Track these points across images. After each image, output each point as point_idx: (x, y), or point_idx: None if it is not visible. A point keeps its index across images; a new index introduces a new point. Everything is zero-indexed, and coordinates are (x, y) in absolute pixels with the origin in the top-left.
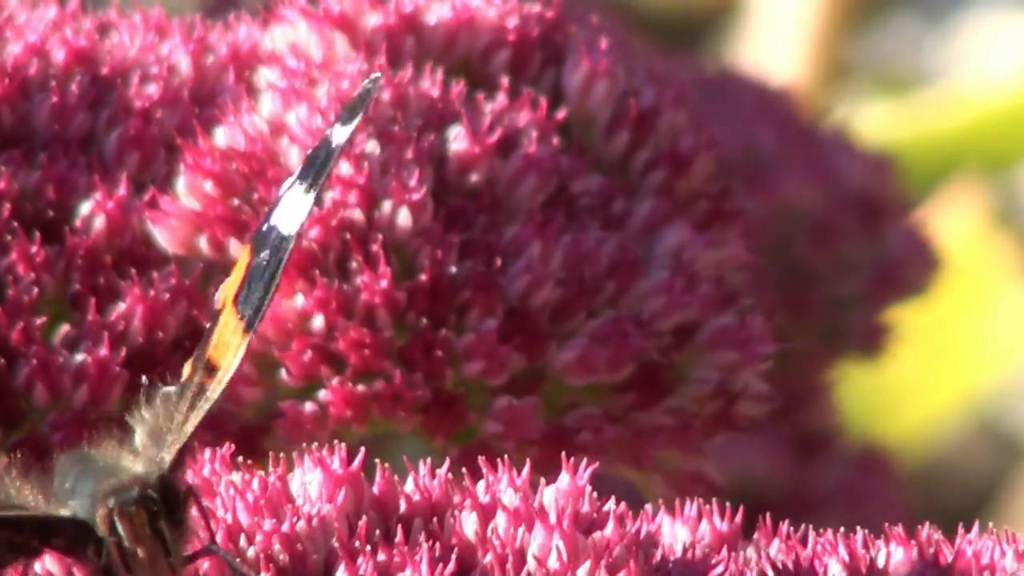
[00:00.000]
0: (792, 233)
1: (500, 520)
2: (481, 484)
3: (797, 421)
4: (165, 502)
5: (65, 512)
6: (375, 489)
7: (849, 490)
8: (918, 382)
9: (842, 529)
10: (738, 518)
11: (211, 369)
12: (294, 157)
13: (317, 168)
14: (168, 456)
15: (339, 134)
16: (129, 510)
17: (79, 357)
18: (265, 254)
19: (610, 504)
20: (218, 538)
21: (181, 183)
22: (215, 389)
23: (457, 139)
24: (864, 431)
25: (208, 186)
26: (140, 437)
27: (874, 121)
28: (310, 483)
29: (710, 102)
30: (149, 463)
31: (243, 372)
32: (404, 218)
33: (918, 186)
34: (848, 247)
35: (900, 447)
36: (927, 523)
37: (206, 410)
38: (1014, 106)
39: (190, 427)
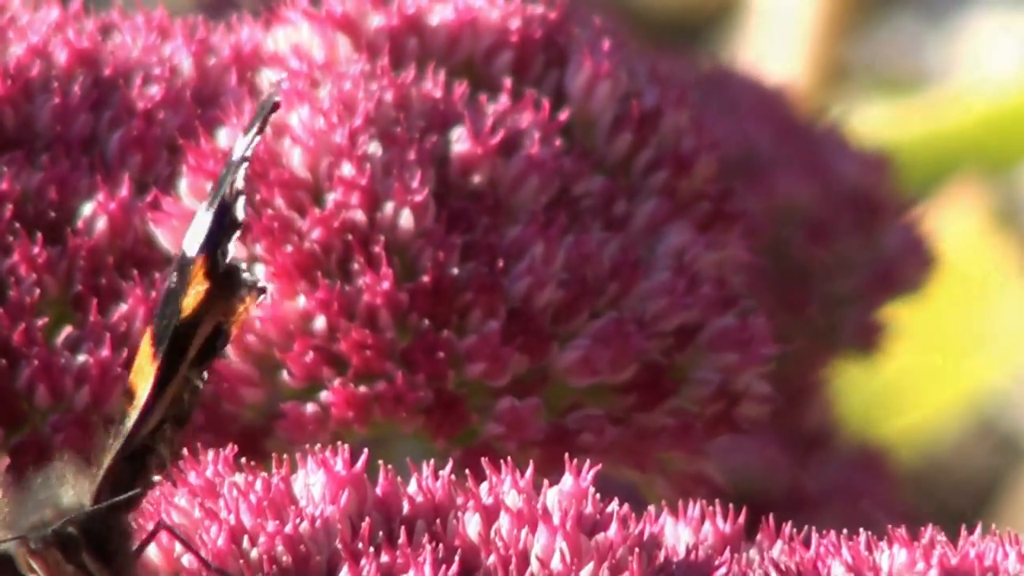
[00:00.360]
0: (789, 231)
1: (503, 521)
2: (484, 485)
3: (794, 419)
4: (88, 536)
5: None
6: (378, 490)
7: (846, 489)
8: (917, 381)
9: (845, 531)
10: (740, 519)
11: (130, 396)
12: (296, 158)
13: (217, 183)
14: (94, 488)
15: (239, 147)
16: (38, 548)
17: (81, 358)
18: (174, 278)
19: (613, 505)
20: (221, 540)
21: (183, 184)
22: (131, 418)
23: (459, 140)
24: (862, 430)
25: (210, 187)
26: (84, 468)
27: (874, 121)
28: (313, 484)
29: (707, 100)
30: (79, 496)
31: (244, 373)
32: (406, 219)
33: (918, 186)
34: (845, 246)
35: (898, 446)
36: (929, 525)
37: (123, 441)
38: (1014, 106)
39: (108, 459)
